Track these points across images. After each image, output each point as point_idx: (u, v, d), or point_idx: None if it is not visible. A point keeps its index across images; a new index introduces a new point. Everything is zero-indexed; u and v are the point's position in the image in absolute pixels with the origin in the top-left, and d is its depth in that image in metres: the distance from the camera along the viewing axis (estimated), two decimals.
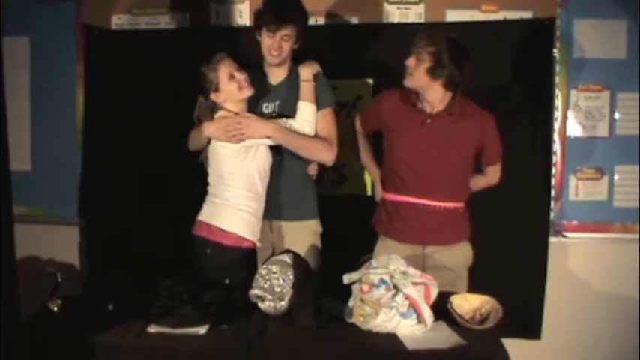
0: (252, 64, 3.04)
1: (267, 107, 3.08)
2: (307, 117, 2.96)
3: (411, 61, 2.82)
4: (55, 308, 2.54)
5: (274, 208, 3.05)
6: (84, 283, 3.58)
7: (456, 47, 2.80)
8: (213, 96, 2.93)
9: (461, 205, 2.99)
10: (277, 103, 3.07)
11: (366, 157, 3.20)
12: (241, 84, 2.91)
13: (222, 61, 2.93)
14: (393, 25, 3.61)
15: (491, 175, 3.08)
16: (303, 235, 3.08)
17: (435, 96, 2.87)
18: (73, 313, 2.56)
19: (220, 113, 2.93)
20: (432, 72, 2.79)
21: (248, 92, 2.93)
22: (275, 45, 2.96)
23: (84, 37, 3.68)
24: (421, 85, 2.84)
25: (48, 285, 2.63)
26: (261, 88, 3.07)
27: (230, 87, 2.92)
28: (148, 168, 3.49)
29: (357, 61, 3.51)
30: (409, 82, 2.86)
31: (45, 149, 3.88)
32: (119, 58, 3.62)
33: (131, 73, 3.56)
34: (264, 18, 2.96)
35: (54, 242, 3.83)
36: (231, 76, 2.91)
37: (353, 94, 3.55)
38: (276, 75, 3.09)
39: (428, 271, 2.69)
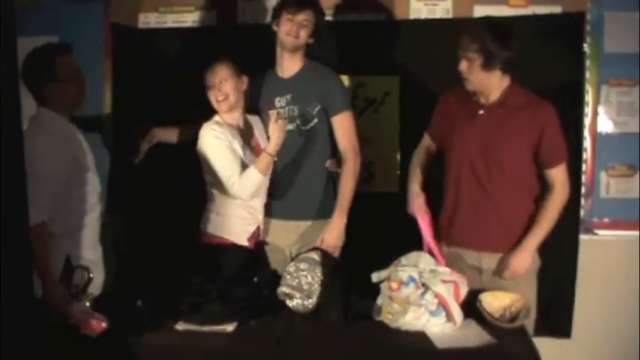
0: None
1: (280, 101, 3.12)
2: (249, 177, 2.91)
3: (463, 66, 2.72)
4: (88, 304, 2.55)
5: (291, 208, 3.09)
6: (113, 280, 3.60)
7: (499, 30, 2.71)
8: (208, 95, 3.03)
9: (521, 212, 2.81)
10: (289, 96, 3.10)
11: (415, 169, 2.99)
12: (217, 98, 2.98)
13: (215, 67, 3.00)
14: (420, 21, 3.58)
15: (557, 188, 2.75)
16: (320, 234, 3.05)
17: (495, 84, 2.76)
18: (102, 310, 2.57)
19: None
20: (487, 66, 2.69)
21: (224, 108, 3.00)
22: (294, 29, 2.99)
23: (111, 35, 3.71)
24: (481, 82, 2.75)
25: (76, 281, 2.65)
26: (273, 83, 3.14)
27: (210, 95, 3.01)
28: (177, 166, 3.49)
29: (385, 58, 3.49)
30: (470, 86, 2.77)
31: None
32: (146, 56, 3.64)
33: (158, 72, 3.58)
34: (286, 3, 3.03)
35: None
36: (210, 87, 2.99)
37: (381, 91, 3.54)
38: (289, 68, 3.11)
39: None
